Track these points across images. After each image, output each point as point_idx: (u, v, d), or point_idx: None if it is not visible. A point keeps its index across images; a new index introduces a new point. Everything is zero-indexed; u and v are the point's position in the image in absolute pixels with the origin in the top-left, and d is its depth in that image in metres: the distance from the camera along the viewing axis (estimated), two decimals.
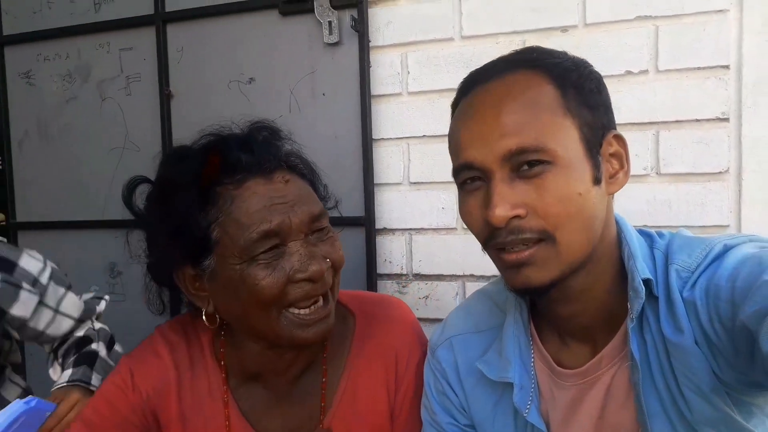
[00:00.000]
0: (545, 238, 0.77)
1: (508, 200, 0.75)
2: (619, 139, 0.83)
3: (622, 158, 0.83)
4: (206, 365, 1.03)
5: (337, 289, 0.97)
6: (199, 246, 0.90)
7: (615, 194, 0.85)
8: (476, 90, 0.82)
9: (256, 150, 0.94)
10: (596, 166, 0.78)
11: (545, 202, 0.75)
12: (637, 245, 0.83)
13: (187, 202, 0.89)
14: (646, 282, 0.78)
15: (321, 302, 0.92)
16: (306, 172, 1.01)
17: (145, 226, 0.99)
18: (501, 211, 0.75)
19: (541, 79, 0.79)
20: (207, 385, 1.03)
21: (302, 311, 0.91)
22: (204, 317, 0.97)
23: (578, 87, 0.79)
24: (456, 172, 0.83)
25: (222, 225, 0.88)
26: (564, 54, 0.84)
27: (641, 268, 0.79)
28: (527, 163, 0.76)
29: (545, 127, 0.76)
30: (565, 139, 0.76)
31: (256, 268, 0.87)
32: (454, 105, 0.90)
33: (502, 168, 0.77)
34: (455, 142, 0.83)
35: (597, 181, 0.78)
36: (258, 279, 0.87)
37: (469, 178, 0.82)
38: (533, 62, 0.81)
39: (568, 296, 0.83)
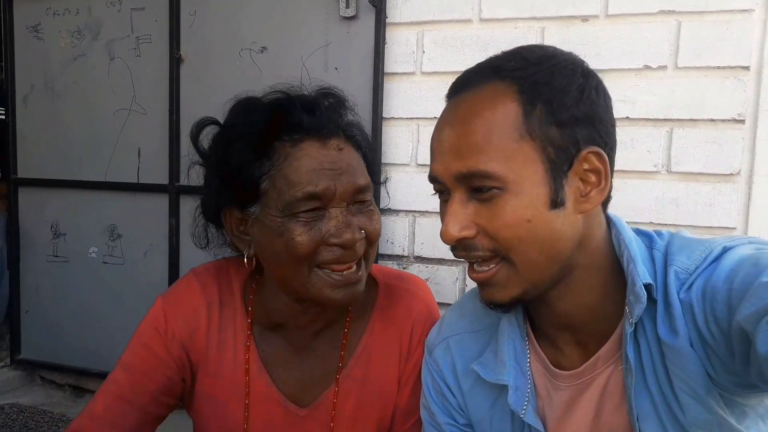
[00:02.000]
0: (500, 256, 0.78)
1: (458, 221, 0.77)
2: (598, 155, 0.77)
3: (600, 174, 0.78)
4: (234, 308, 1.08)
5: (371, 259, 1.02)
6: (248, 193, 0.95)
7: (612, 198, 0.83)
8: (450, 101, 0.83)
9: (319, 114, 0.98)
10: (556, 190, 0.76)
11: (494, 226, 0.76)
12: (636, 249, 0.81)
13: (245, 152, 0.95)
14: (647, 287, 0.77)
15: (354, 268, 0.96)
16: (362, 144, 1.04)
17: (205, 164, 1.05)
18: (451, 230, 0.77)
19: (507, 96, 0.76)
20: (233, 327, 1.08)
21: (334, 272, 0.95)
22: (245, 259, 1.02)
23: (548, 103, 0.75)
24: (429, 180, 0.85)
25: (272, 178, 0.94)
26: (549, 60, 0.79)
27: (642, 272, 0.78)
28: (479, 188, 0.76)
29: (498, 152, 0.75)
30: (519, 165, 0.75)
31: (295, 224, 0.92)
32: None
33: (458, 187, 0.77)
34: (430, 149, 0.85)
35: (555, 204, 0.76)
36: (294, 234, 0.92)
37: (438, 190, 0.83)
38: (509, 72, 0.78)
39: (552, 304, 0.83)
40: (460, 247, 0.80)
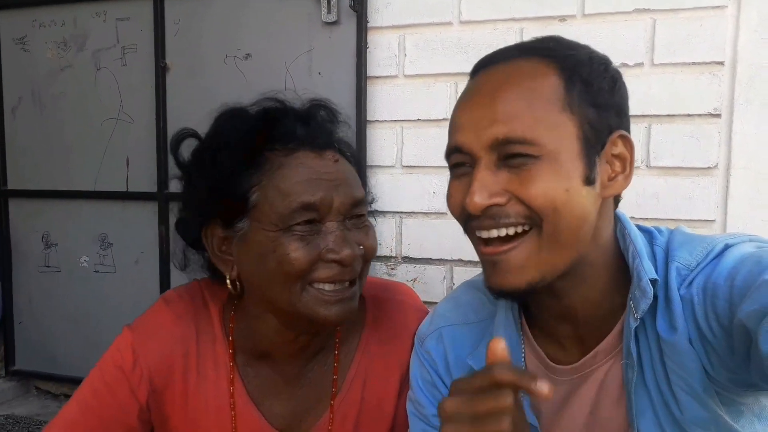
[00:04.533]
0: (530, 225, 0.75)
1: (487, 188, 0.74)
2: (626, 140, 0.78)
3: (625, 161, 0.79)
4: (214, 338, 1.00)
5: (365, 277, 0.96)
6: (236, 206, 0.89)
7: (619, 201, 0.84)
8: (482, 73, 0.80)
9: (314, 125, 0.94)
10: (590, 167, 0.75)
11: (529, 193, 0.73)
12: (641, 244, 0.80)
13: (234, 161, 0.89)
14: (652, 282, 0.76)
15: (347, 284, 0.91)
16: (354, 160, 1.00)
17: (186, 178, 0.98)
18: (479, 199, 0.74)
19: (548, 70, 0.76)
20: (213, 359, 1.00)
21: (326, 287, 0.89)
22: (228, 282, 0.95)
23: (587, 83, 0.75)
24: (447, 154, 0.82)
25: (263, 189, 0.88)
26: (583, 47, 0.80)
27: (648, 268, 0.77)
28: (513, 154, 0.74)
29: (539, 119, 0.73)
30: (558, 135, 0.74)
31: (290, 238, 0.86)
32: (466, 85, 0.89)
33: (488, 155, 0.75)
34: (452, 123, 0.82)
35: (588, 181, 0.75)
36: (290, 250, 0.86)
37: (459, 162, 0.80)
38: (547, 51, 0.78)
39: (559, 296, 0.82)
40: (486, 216, 0.76)
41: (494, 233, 0.77)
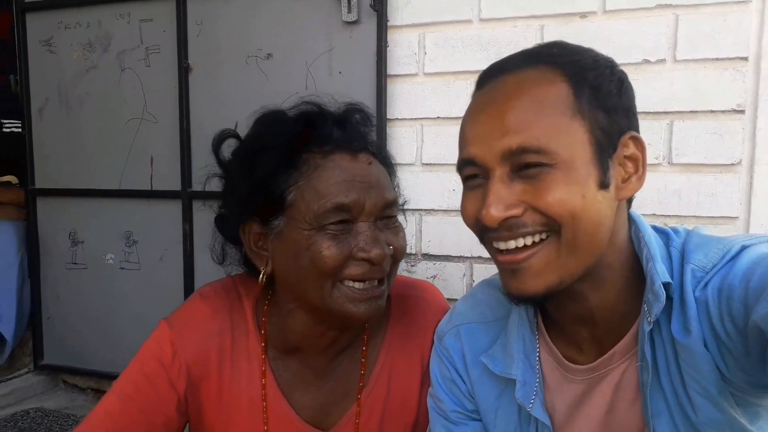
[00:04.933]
0: (549, 231, 0.75)
1: (503, 200, 0.74)
2: (637, 141, 0.78)
3: (638, 162, 0.78)
4: (247, 332, 1.04)
5: (393, 276, 0.99)
6: (273, 205, 0.93)
7: (632, 201, 0.83)
8: (489, 84, 0.80)
9: (349, 128, 0.97)
10: (604, 171, 0.75)
11: (546, 202, 0.73)
12: (656, 246, 0.80)
13: (273, 162, 0.93)
14: (665, 285, 0.75)
15: (376, 282, 0.94)
16: (386, 162, 1.03)
17: (226, 177, 1.02)
18: (495, 212, 0.74)
19: (556, 77, 0.76)
20: (246, 352, 1.03)
21: (356, 284, 0.92)
22: (261, 277, 0.99)
23: (595, 88, 0.75)
24: (459, 167, 0.83)
25: (300, 189, 0.92)
26: (588, 51, 0.80)
27: (662, 271, 0.77)
28: (527, 164, 0.74)
29: (550, 127, 0.73)
30: (571, 142, 0.73)
31: (323, 236, 0.90)
32: (473, 96, 0.89)
33: (501, 166, 0.75)
34: (462, 135, 0.83)
35: (603, 185, 0.75)
36: (323, 248, 0.89)
37: (471, 174, 0.81)
38: (552, 58, 0.77)
39: (577, 299, 0.82)
40: (503, 228, 0.76)
41: (512, 244, 0.77)
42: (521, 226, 0.75)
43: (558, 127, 0.73)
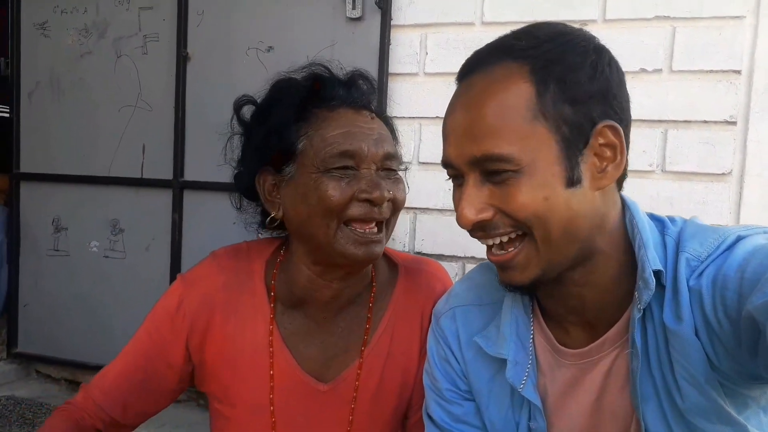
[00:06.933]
0: (522, 231, 0.78)
1: (474, 205, 0.77)
2: (614, 129, 0.76)
3: (616, 149, 0.77)
4: (254, 290, 1.12)
5: (392, 227, 1.08)
6: (286, 152, 1.03)
7: (623, 183, 0.84)
8: (464, 81, 0.82)
9: (353, 89, 1.08)
10: (571, 168, 0.75)
11: (511, 207, 0.76)
12: (649, 234, 0.80)
13: (286, 115, 1.04)
14: (657, 273, 0.76)
15: (376, 229, 1.03)
16: (387, 122, 1.13)
17: (246, 134, 1.13)
18: (467, 215, 0.77)
19: (519, 78, 0.75)
20: (252, 306, 1.12)
21: (358, 229, 1.01)
22: (271, 220, 1.09)
23: (561, 81, 0.75)
24: (443, 165, 0.84)
25: (310, 138, 1.02)
26: (561, 36, 0.78)
27: (653, 258, 0.77)
28: (493, 171, 0.76)
29: (512, 134, 0.74)
30: (534, 146, 0.74)
31: (329, 179, 0.99)
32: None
33: (472, 171, 0.77)
34: (442, 130, 0.83)
35: (571, 183, 0.76)
36: (329, 188, 0.99)
37: (453, 174, 0.83)
38: (519, 52, 0.77)
39: (569, 285, 0.83)
40: (478, 229, 0.80)
41: (490, 242, 0.81)
42: (494, 228, 0.79)
43: (519, 132, 0.75)
